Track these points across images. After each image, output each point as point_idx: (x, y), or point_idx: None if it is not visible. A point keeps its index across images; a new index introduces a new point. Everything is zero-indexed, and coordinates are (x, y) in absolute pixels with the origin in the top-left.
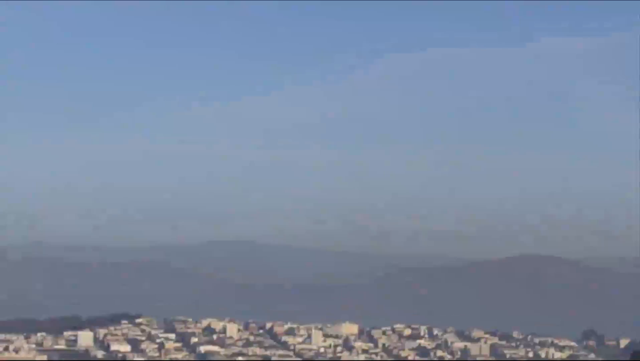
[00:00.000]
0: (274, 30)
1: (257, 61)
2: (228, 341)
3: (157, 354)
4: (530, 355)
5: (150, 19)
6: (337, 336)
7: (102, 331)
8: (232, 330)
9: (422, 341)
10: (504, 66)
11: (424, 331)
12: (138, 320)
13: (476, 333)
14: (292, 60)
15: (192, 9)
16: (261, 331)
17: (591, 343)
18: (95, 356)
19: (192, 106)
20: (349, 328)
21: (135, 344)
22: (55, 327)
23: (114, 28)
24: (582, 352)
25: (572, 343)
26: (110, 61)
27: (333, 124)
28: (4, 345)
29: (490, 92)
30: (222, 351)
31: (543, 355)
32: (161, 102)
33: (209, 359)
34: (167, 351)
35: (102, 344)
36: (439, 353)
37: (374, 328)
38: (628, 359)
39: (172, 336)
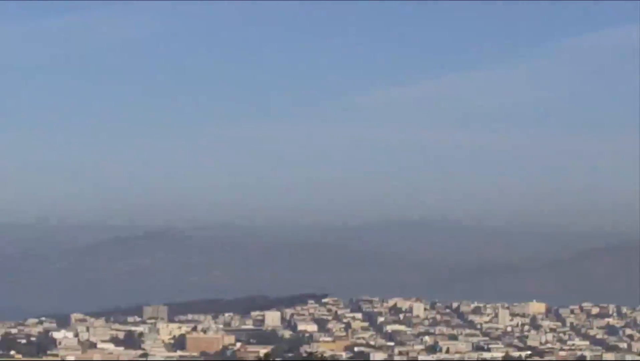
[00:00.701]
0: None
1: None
2: (414, 321)
3: (344, 334)
4: None
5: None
6: (524, 315)
7: (288, 311)
8: (419, 309)
9: (610, 320)
10: None
11: (613, 309)
12: (324, 300)
13: None
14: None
15: None
16: (448, 310)
17: None
18: (282, 335)
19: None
20: (536, 307)
21: (322, 324)
22: (243, 307)
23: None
24: None
25: None
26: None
27: (524, 108)
28: (192, 325)
29: None
30: (409, 330)
31: None
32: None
33: (395, 338)
34: (354, 331)
35: (289, 324)
36: (628, 331)
37: (561, 306)
38: None
39: (359, 315)
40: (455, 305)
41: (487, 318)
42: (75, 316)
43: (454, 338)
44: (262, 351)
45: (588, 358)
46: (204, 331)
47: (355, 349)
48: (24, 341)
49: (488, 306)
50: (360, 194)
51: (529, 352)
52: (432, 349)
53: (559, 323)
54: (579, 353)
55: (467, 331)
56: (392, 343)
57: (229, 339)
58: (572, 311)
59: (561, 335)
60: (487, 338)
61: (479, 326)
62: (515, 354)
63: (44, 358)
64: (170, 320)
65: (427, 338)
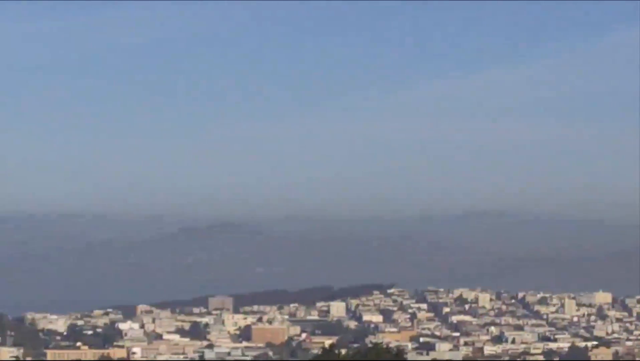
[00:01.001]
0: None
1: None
2: (480, 311)
3: (409, 324)
4: None
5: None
6: (590, 305)
7: (354, 302)
8: (484, 299)
9: None
10: None
11: None
12: (390, 290)
13: None
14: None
15: None
16: (513, 300)
17: None
18: (347, 326)
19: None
20: (603, 297)
21: (387, 314)
22: (308, 298)
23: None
24: None
25: None
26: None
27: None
28: (258, 316)
29: None
30: (474, 320)
31: None
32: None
33: (461, 329)
34: (420, 322)
35: (354, 314)
36: None
37: (627, 296)
38: None
39: (424, 306)
40: (520, 295)
41: (553, 309)
42: (141, 307)
43: (519, 328)
44: (327, 342)
45: None
46: (270, 322)
47: (421, 340)
48: (90, 332)
49: (554, 296)
50: (422, 186)
51: (595, 342)
52: (498, 339)
53: (626, 313)
54: None
55: (533, 321)
56: (457, 334)
57: (294, 330)
58: (638, 301)
59: (628, 325)
60: (553, 329)
61: (544, 317)
62: (582, 344)
63: (110, 350)
64: (236, 311)
65: (492, 328)
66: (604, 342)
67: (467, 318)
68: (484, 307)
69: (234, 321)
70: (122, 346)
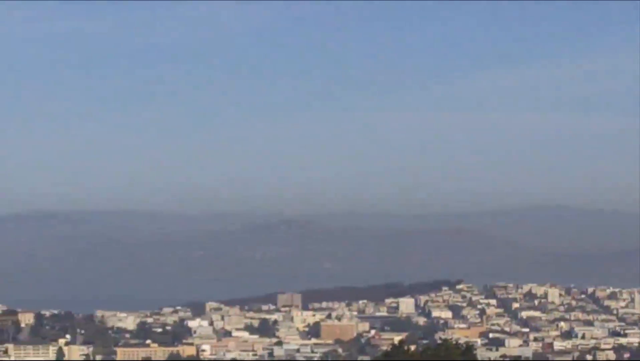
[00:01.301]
0: None
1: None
2: (550, 307)
3: (478, 320)
4: None
5: None
6: None
7: (423, 298)
8: (554, 295)
9: None
10: None
11: None
12: (459, 286)
13: None
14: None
15: None
16: (583, 296)
17: None
18: (416, 322)
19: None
20: None
21: (456, 310)
22: (377, 294)
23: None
24: None
25: None
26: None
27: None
28: (327, 312)
29: None
30: (544, 316)
31: None
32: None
33: (530, 325)
34: (489, 317)
35: (423, 310)
36: None
37: None
38: None
39: (493, 302)
40: (590, 290)
41: (623, 303)
42: (210, 304)
43: (589, 323)
44: (396, 338)
45: None
46: (338, 318)
47: (490, 335)
48: (159, 330)
49: (624, 291)
50: (491, 181)
51: None
52: (568, 335)
53: None
54: None
55: (603, 316)
56: (527, 330)
57: (363, 326)
58: None
59: None
60: (623, 324)
61: (615, 312)
62: None
63: (179, 347)
64: (305, 308)
65: (562, 324)
66: None
67: (537, 313)
68: (553, 302)
69: (302, 317)
70: (192, 344)
